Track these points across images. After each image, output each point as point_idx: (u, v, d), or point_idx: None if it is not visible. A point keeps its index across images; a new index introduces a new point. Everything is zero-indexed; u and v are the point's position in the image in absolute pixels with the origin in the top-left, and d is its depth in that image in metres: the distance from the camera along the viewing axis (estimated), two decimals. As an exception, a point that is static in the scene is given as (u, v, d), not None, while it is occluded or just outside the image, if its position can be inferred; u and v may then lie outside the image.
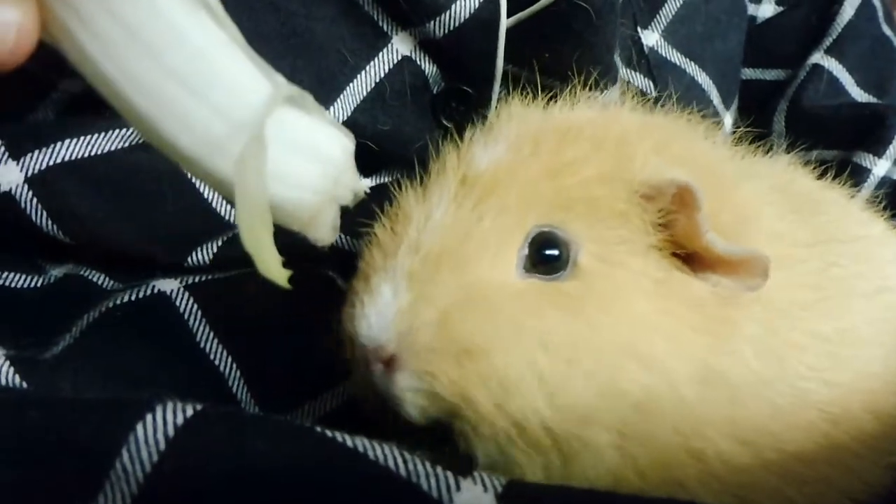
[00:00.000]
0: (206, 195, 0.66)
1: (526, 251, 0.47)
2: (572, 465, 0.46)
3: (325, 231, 0.37)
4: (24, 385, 0.52)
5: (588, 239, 0.47)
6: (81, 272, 0.66)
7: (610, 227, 0.47)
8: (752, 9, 1.00)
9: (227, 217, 0.67)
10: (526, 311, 0.45)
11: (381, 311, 0.46)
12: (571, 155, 0.49)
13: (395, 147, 0.71)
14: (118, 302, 0.60)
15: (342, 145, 0.36)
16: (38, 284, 0.64)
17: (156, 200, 0.64)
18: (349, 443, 0.39)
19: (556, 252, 0.47)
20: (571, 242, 0.47)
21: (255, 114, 0.33)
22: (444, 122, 0.73)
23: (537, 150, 0.49)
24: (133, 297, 0.60)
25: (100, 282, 0.65)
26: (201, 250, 0.65)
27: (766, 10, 1.02)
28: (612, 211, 0.47)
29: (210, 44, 0.34)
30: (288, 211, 0.35)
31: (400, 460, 0.39)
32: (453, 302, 0.45)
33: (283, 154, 0.34)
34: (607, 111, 0.56)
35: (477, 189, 0.48)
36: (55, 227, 0.62)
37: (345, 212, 0.42)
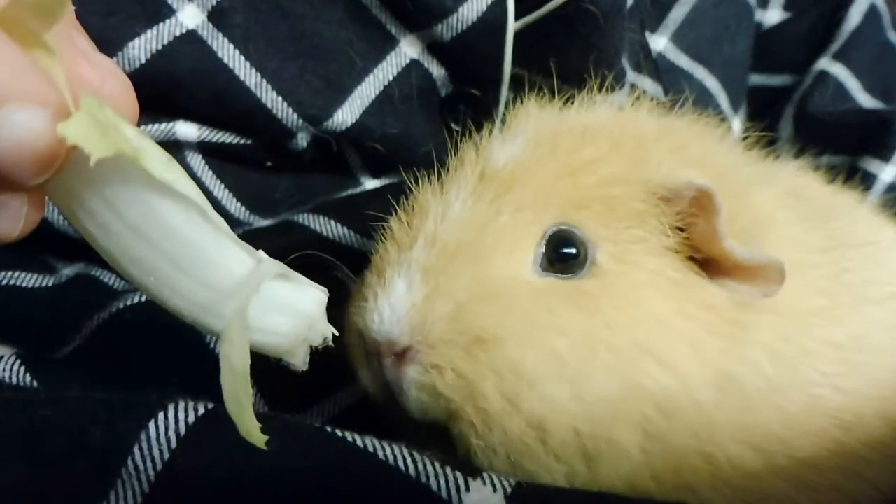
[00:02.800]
0: (215, 193, 0.66)
1: (543, 249, 0.47)
2: (598, 470, 0.45)
3: (297, 361, 0.41)
4: (35, 384, 0.52)
5: (605, 238, 0.47)
6: (92, 272, 0.66)
7: (627, 227, 0.47)
8: (758, 15, 1.00)
9: (236, 214, 0.67)
10: (542, 308, 0.45)
11: (393, 305, 0.45)
12: (589, 155, 0.49)
13: (403, 150, 0.71)
14: (128, 303, 0.59)
15: (317, 300, 0.41)
16: (49, 284, 0.65)
17: None
18: (359, 442, 0.39)
19: (573, 251, 0.46)
20: (589, 242, 0.47)
21: (239, 285, 0.39)
22: (453, 125, 0.73)
23: (555, 149, 0.49)
24: (143, 299, 0.59)
25: (110, 282, 0.65)
26: None
27: (773, 17, 1.02)
28: (629, 211, 0.47)
29: (198, 235, 0.39)
30: (265, 350, 0.40)
31: (409, 460, 0.39)
32: (468, 295, 0.45)
33: (263, 313, 0.39)
34: (624, 113, 0.56)
35: (495, 184, 0.48)
36: (65, 223, 0.62)
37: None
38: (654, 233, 0.47)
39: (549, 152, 0.49)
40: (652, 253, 0.47)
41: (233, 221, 0.66)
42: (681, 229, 0.47)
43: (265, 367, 0.58)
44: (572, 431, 0.43)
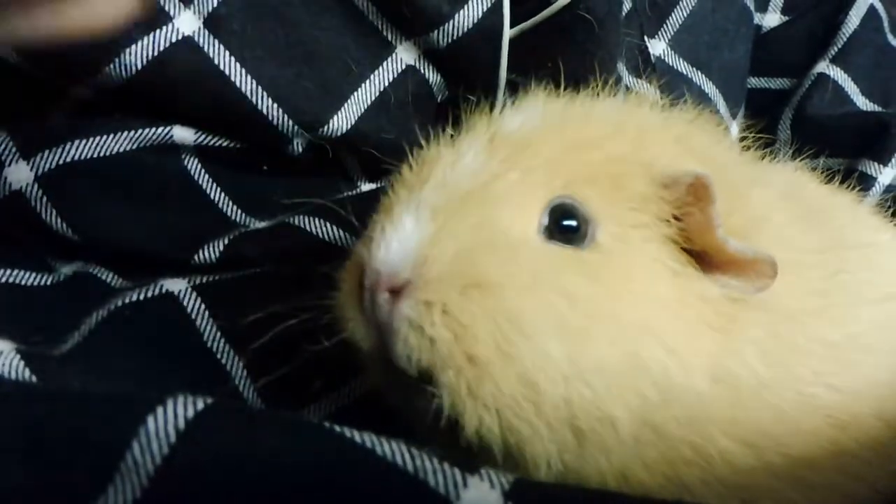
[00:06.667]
0: (211, 195, 0.67)
1: (546, 219, 0.46)
2: (587, 448, 0.44)
3: None
4: (35, 380, 0.52)
5: (608, 217, 0.46)
6: (90, 270, 0.66)
7: (630, 209, 0.47)
8: (757, 18, 1.00)
9: (232, 216, 0.67)
10: (546, 265, 0.44)
11: (402, 239, 0.44)
12: (597, 132, 0.49)
13: (399, 155, 0.72)
14: (126, 301, 0.60)
15: None
16: (48, 282, 0.65)
17: (162, 200, 0.65)
18: (357, 438, 0.39)
19: (573, 223, 0.46)
20: (591, 218, 0.46)
21: None
22: (449, 130, 0.74)
23: (564, 126, 0.49)
24: (141, 297, 0.60)
25: (109, 280, 0.66)
26: (207, 249, 0.66)
27: (772, 20, 1.02)
28: (632, 192, 0.47)
29: None
30: None
31: (407, 456, 0.39)
32: (473, 239, 0.44)
33: None
34: (628, 105, 0.56)
35: (506, 147, 0.48)
36: (64, 225, 0.63)
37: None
38: (654, 220, 0.47)
39: (559, 127, 0.49)
40: (651, 240, 0.47)
41: (229, 224, 0.67)
42: (677, 219, 0.47)
43: (261, 368, 0.59)
44: (564, 398, 0.43)
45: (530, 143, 0.48)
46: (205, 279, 0.63)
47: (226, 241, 0.66)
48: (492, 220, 0.45)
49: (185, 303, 0.61)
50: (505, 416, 0.43)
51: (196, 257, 0.65)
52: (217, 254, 0.66)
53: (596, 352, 0.43)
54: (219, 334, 0.60)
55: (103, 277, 0.66)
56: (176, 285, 0.62)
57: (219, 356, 0.59)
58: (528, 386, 0.42)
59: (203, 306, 0.60)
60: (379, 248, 0.45)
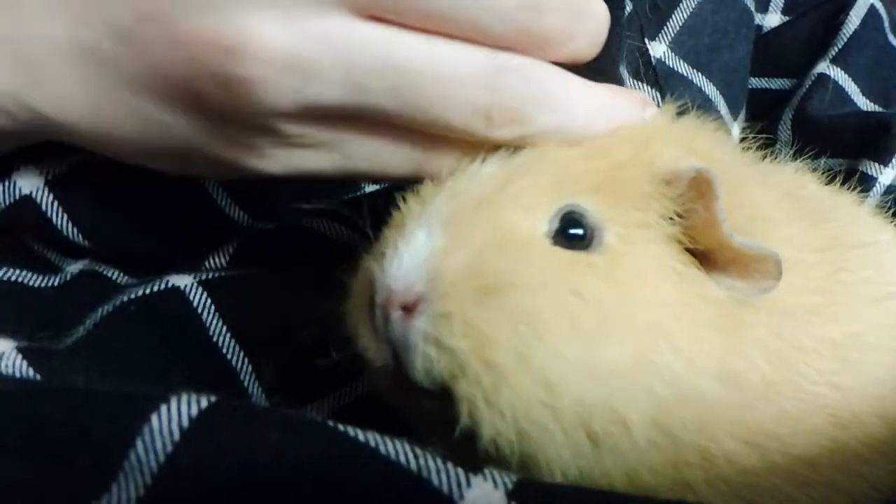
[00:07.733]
0: (218, 201, 0.67)
1: (555, 224, 0.46)
2: (603, 454, 0.44)
3: None
4: (37, 377, 0.52)
5: (613, 220, 0.47)
6: (97, 268, 0.66)
7: (634, 209, 0.47)
8: (758, 18, 1.00)
9: (239, 221, 0.67)
10: (557, 266, 0.44)
11: (413, 253, 0.44)
12: (601, 140, 0.49)
13: None
14: (132, 296, 0.60)
15: None
16: (55, 283, 0.65)
17: (170, 206, 0.65)
18: (360, 437, 0.39)
19: (580, 231, 0.46)
20: (597, 225, 0.46)
21: None
22: None
23: None
24: (147, 291, 0.60)
25: (115, 277, 0.66)
26: (216, 254, 0.66)
27: (773, 20, 1.02)
28: (636, 193, 0.47)
29: None
30: None
31: (411, 455, 0.39)
32: (484, 244, 0.44)
33: None
34: None
35: (516, 155, 0.48)
36: (74, 230, 0.63)
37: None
38: (657, 219, 0.47)
39: None
40: (655, 241, 0.47)
41: (235, 227, 0.67)
42: (681, 217, 0.48)
43: (267, 364, 0.59)
44: (578, 400, 0.43)
45: (538, 152, 0.48)
46: (211, 275, 0.63)
47: (235, 245, 0.66)
48: (500, 222, 0.45)
49: (190, 297, 0.60)
50: (520, 424, 0.43)
51: (206, 263, 0.66)
52: (227, 258, 0.66)
53: (607, 353, 0.43)
54: (224, 329, 0.60)
55: (109, 275, 0.66)
56: (182, 280, 0.61)
57: (224, 351, 0.59)
58: (543, 388, 0.42)
59: (209, 301, 0.60)
60: (391, 264, 0.44)
